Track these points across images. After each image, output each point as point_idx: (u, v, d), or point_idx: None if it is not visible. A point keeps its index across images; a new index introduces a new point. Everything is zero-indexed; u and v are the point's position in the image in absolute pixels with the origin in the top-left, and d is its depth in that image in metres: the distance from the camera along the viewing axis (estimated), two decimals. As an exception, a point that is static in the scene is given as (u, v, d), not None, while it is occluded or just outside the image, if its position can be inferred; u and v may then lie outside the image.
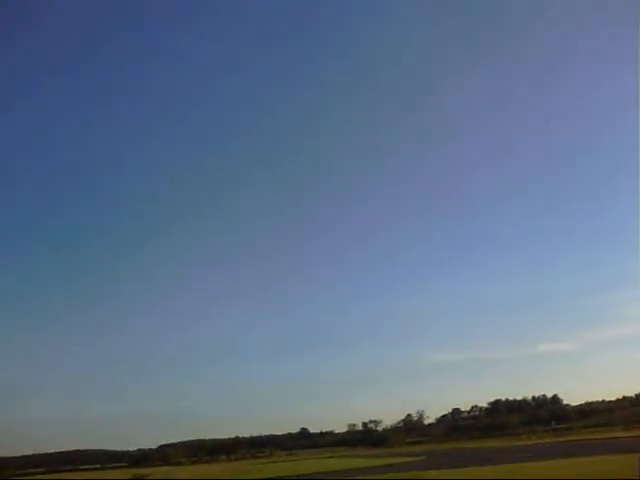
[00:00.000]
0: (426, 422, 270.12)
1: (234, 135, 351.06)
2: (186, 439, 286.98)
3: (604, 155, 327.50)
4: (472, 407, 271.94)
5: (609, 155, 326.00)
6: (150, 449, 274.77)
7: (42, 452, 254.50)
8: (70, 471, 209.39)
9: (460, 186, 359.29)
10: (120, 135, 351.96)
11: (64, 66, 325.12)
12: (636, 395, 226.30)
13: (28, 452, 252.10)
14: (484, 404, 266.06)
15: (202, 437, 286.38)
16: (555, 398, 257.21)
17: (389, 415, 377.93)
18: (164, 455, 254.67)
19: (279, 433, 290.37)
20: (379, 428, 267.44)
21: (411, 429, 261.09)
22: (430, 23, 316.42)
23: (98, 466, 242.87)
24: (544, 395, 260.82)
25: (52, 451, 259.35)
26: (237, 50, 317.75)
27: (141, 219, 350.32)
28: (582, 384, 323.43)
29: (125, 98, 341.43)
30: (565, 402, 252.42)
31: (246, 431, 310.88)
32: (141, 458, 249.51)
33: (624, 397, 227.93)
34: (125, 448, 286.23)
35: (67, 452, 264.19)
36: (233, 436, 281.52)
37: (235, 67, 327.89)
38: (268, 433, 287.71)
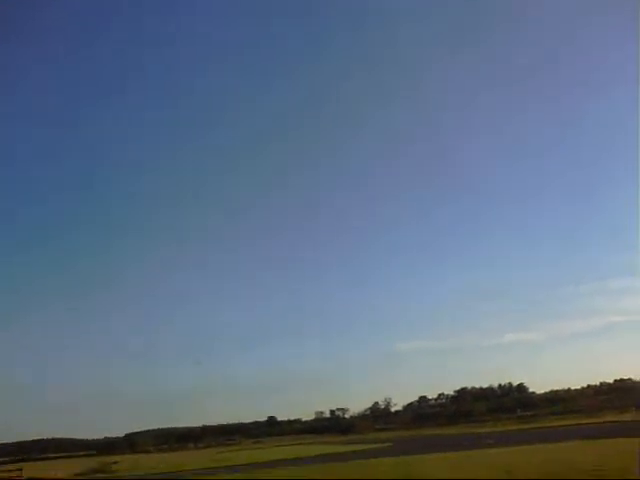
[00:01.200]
0: (393, 410, 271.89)
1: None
2: (153, 427, 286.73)
3: (584, 146, 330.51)
4: (439, 395, 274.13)
5: (589, 147, 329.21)
6: (117, 437, 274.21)
7: (6, 442, 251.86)
8: (36, 460, 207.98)
9: (430, 177, 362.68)
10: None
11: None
12: (600, 383, 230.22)
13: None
14: (450, 392, 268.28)
15: (170, 425, 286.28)
16: (521, 386, 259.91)
17: (356, 403, 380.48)
18: (131, 443, 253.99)
19: (247, 421, 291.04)
20: (346, 416, 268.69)
21: (378, 416, 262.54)
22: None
23: (65, 454, 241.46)
24: (510, 383, 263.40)
25: (17, 440, 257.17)
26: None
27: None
28: (547, 373, 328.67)
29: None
30: (531, 390, 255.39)
31: (214, 419, 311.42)
32: (108, 446, 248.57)
33: (589, 386, 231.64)
34: (92, 436, 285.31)
35: (33, 441, 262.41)
36: (201, 424, 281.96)
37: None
38: (236, 421, 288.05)
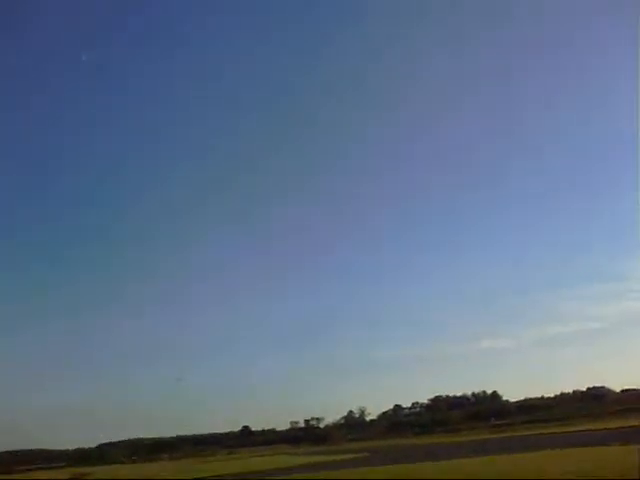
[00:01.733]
0: (368, 419, 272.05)
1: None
2: (126, 438, 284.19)
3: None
4: (413, 404, 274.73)
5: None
6: (90, 448, 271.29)
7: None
8: (6, 473, 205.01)
9: (414, 185, 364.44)
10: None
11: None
12: (574, 391, 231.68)
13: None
14: (425, 400, 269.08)
15: (143, 436, 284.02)
16: (495, 394, 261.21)
17: (331, 412, 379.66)
18: (104, 454, 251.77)
19: (220, 431, 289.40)
20: (321, 425, 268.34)
21: (353, 426, 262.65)
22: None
23: (36, 466, 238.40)
24: (484, 391, 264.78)
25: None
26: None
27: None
28: (521, 381, 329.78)
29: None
30: (505, 398, 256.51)
31: (187, 430, 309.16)
32: (81, 457, 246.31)
33: (562, 393, 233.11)
34: (64, 447, 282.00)
35: (3, 452, 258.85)
36: (174, 435, 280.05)
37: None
38: (209, 432, 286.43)
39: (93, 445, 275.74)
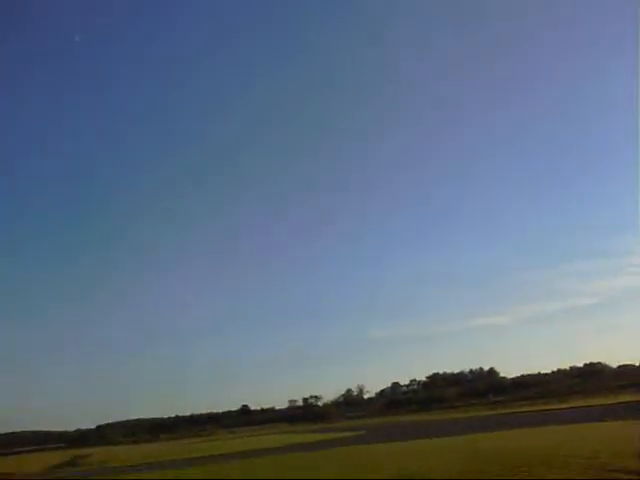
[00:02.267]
0: (366, 397, 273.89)
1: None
2: (125, 419, 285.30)
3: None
4: (410, 381, 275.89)
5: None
6: (89, 429, 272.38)
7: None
8: (7, 454, 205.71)
9: (409, 168, 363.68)
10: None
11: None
12: (570, 368, 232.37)
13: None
14: (422, 378, 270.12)
15: (141, 416, 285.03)
16: (492, 371, 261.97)
17: (329, 390, 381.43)
18: (103, 435, 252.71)
19: (219, 411, 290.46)
20: (319, 403, 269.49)
21: (351, 404, 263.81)
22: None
23: (36, 447, 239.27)
24: (481, 368, 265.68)
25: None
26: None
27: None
28: (518, 357, 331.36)
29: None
30: (502, 375, 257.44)
31: (186, 410, 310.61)
32: (80, 438, 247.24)
33: (559, 370, 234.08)
34: (63, 428, 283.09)
35: (3, 434, 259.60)
36: (173, 415, 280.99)
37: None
38: (208, 411, 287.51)
39: (92, 426, 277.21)
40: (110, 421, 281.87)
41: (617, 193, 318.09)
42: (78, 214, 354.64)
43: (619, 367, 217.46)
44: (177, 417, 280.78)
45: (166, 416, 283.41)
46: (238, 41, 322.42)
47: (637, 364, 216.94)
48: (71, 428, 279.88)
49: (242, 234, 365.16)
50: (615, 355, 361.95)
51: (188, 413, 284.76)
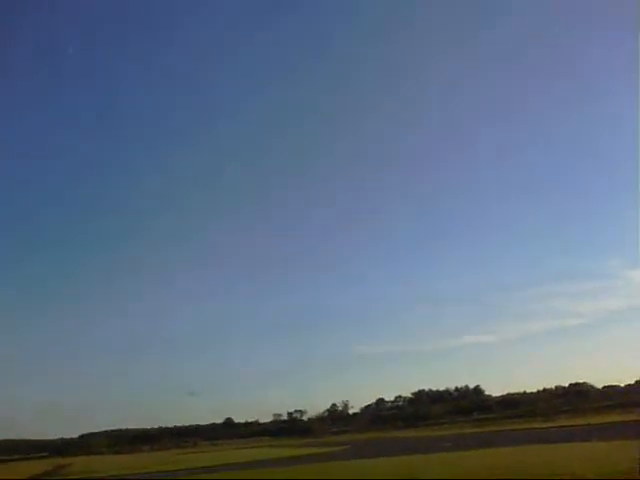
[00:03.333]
0: (351, 412, 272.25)
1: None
2: (108, 428, 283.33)
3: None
4: (396, 397, 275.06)
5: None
6: (72, 438, 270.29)
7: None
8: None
9: (396, 187, 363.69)
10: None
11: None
12: (556, 387, 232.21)
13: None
14: (408, 394, 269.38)
15: (125, 427, 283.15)
16: (477, 389, 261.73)
17: (314, 405, 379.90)
18: (86, 444, 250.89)
19: (203, 423, 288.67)
20: (304, 418, 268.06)
21: (336, 419, 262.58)
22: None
23: (19, 456, 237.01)
24: (466, 386, 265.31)
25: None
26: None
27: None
28: (504, 376, 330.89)
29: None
30: (487, 393, 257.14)
31: (169, 421, 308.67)
32: (63, 447, 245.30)
33: (544, 389, 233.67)
34: (46, 437, 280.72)
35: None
36: (157, 426, 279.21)
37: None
38: (192, 423, 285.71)
39: (75, 435, 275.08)
40: (94, 430, 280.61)
41: (607, 216, 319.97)
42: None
43: (604, 387, 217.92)
44: (160, 428, 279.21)
45: (149, 427, 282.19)
46: (242, 46, 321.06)
47: (622, 385, 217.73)
48: (55, 437, 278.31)
49: (228, 249, 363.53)
50: (600, 376, 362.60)
51: (172, 425, 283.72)
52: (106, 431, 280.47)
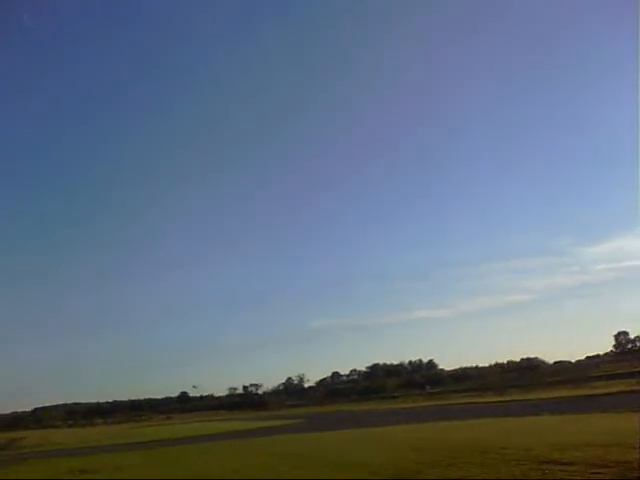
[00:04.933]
0: (306, 385, 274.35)
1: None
2: (62, 402, 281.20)
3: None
4: (351, 371, 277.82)
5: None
6: (24, 412, 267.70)
7: None
8: None
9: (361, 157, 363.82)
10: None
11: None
12: (508, 362, 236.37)
13: None
14: (363, 368, 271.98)
15: (78, 400, 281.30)
16: (430, 363, 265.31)
17: (270, 379, 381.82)
18: (39, 418, 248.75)
19: (158, 397, 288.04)
20: (260, 392, 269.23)
21: (291, 392, 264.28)
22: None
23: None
24: (420, 360, 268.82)
25: None
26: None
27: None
28: (456, 350, 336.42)
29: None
30: (440, 367, 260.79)
31: (124, 395, 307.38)
32: (15, 421, 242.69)
33: (496, 363, 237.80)
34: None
35: None
36: (111, 400, 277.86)
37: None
38: (146, 397, 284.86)
39: (28, 409, 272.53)
40: (47, 404, 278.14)
41: (557, 194, 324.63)
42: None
43: (555, 363, 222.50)
44: (115, 402, 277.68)
45: (103, 401, 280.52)
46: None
47: (573, 360, 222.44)
48: (6, 411, 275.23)
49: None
50: (551, 351, 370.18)
51: (126, 398, 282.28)
52: (60, 405, 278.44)
